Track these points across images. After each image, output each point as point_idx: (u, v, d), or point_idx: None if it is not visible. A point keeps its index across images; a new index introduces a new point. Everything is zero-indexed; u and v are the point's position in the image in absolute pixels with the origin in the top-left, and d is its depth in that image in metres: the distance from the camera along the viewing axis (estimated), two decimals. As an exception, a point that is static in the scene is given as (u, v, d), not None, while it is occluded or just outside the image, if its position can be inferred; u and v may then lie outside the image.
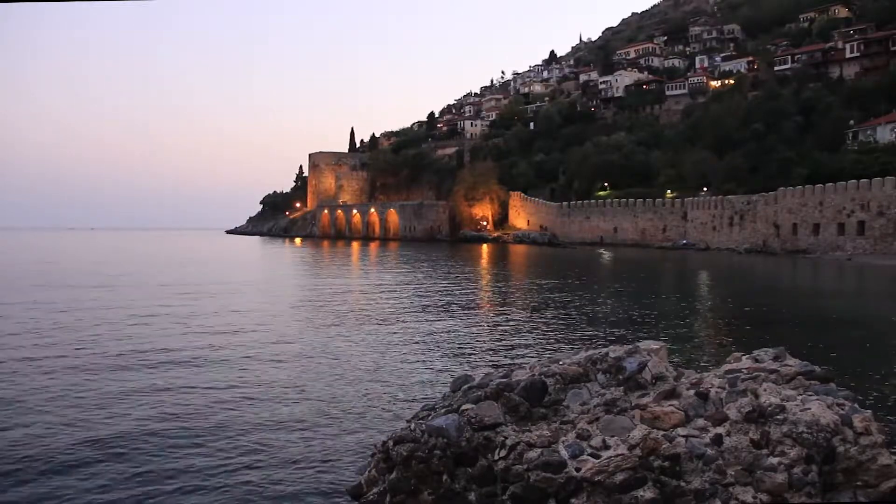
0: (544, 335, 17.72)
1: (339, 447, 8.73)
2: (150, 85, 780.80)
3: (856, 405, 5.23)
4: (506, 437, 5.37)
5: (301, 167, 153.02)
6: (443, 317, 21.50)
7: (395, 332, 18.31)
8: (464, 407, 5.63)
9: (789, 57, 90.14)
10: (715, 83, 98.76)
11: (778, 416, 5.01)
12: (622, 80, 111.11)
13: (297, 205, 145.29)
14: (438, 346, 16.14)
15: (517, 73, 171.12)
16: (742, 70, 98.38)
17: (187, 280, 36.13)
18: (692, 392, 5.47)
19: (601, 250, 72.67)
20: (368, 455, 6.56)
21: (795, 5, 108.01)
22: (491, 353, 15.40)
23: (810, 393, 5.33)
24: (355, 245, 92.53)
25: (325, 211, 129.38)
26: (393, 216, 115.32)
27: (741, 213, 67.14)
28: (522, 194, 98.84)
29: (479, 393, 5.75)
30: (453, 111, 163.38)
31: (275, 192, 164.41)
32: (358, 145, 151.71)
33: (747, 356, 6.30)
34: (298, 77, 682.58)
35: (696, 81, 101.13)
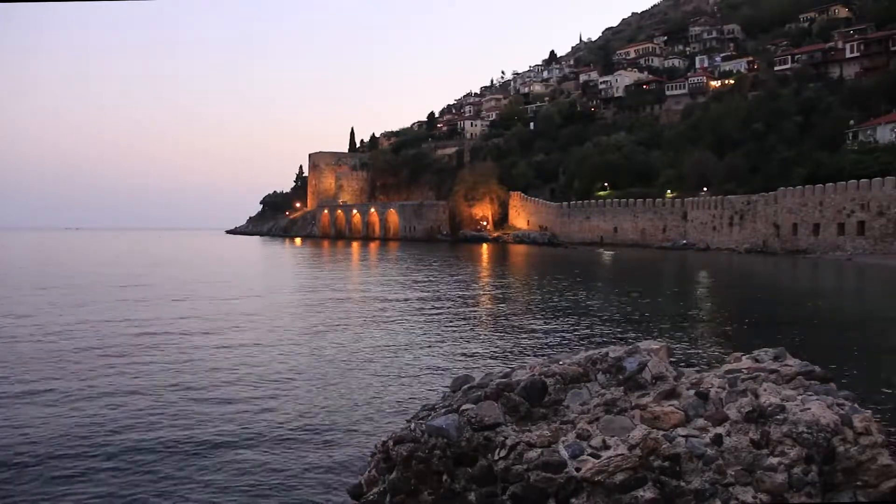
0: (544, 335, 17.71)
1: (339, 447, 8.73)
2: (150, 84, 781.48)
3: (856, 405, 5.22)
4: (506, 437, 5.36)
5: (301, 167, 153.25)
6: (442, 316, 21.49)
7: (394, 332, 18.31)
8: (464, 407, 5.63)
9: (789, 57, 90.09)
10: (715, 83, 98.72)
11: (778, 416, 5.01)
12: (622, 80, 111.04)
13: (297, 205, 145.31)
14: (438, 346, 16.13)
15: (517, 73, 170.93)
16: (742, 70, 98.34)
17: (187, 279, 36.13)
18: (692, 392, 5.47)
19: (601, 250, 72.65)
20: (368, 455, 6.55)
21: (795, 5, 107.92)
22: (491, 352, 15.39)
23: (810, 393, 5.32)
24: (355, 245, 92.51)
25: (325, 211, 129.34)
26: (393, 216, 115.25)
27: (741, 213, 67.09)
28: (522, 194, 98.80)
29: (479, 393, 5.75)
30: (453, 111, 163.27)
31: (275, 192, 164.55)
32: (358, 145, 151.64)
33: (747, 356, 6.29)
34: (299, 77, 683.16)
35: (696, 81, 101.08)
